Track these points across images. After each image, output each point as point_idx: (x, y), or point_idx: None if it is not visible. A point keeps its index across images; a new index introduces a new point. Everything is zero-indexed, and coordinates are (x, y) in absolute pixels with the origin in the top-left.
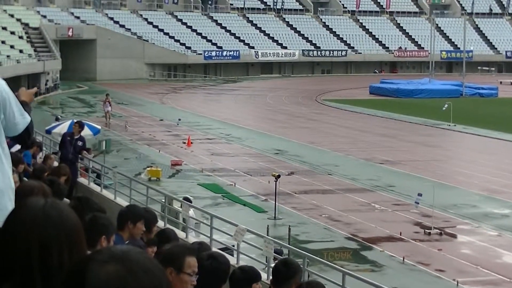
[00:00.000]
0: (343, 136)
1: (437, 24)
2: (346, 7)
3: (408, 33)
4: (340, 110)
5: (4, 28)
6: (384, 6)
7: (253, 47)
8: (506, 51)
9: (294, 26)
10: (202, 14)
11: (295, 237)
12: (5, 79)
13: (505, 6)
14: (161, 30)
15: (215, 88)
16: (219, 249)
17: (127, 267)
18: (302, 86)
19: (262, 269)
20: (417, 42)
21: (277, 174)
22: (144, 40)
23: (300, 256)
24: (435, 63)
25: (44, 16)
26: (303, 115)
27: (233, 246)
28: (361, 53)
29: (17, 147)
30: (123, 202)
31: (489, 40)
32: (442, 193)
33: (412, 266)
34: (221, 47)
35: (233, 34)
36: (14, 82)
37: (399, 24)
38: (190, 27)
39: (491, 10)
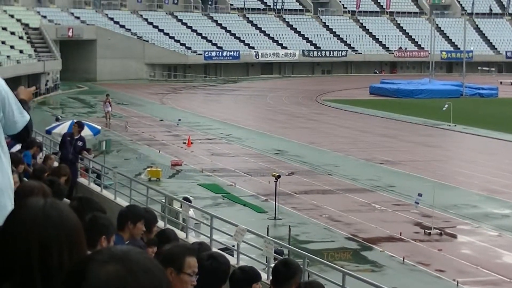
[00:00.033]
0: (343, 136)
1: (437, 24)
2: (346, 7)
3: (408, 33)
4: (340, 110)
5: (4, 29)
6: (384, 6)
7: (253, 48)
8: (506, 51)
9: (294, 26)
10: (202, 15)
11: (295, 237)
12: (5, 80)
13: (505, 6)
14: (161, 31)
15: (215, 88)
16: (219, 249)
17: (127, 267)
18: (302, 86)
19: (262, 269)
20: (417, 42)
21: (277, 174)
22: (144, 40)
23: (300, 256)
24: (435, 63)
25: (44, 17)
26: (303, 116)
27: (233, 246)
28: (361, 53)
29: (17, 147)
30: (123, 202)
31: (489, 40)
32: (442, 193)
33: (412, 266)
34: (221, 48)
35: (233, 35)
36: (14, 83)
37: (399, 24)
38: (190, 27)
39: (491, 10)
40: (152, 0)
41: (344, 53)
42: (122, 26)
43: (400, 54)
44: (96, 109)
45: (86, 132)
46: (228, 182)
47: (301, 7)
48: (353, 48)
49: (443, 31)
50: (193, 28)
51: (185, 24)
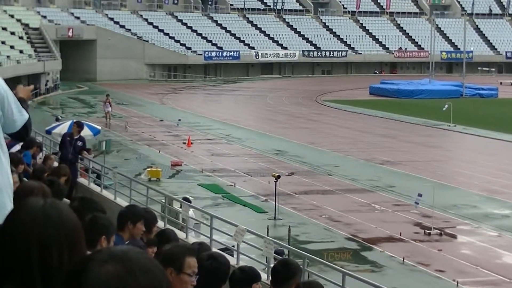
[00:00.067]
0: (343, 136)
1: (437, 25)
2: (346, 8)
3: (408, 33)
4: (340, 110)
5: (4, 29)
6: (384, 7)
7: (253, 48)
8: (506, 52)
9: (294, 26)
10: (202, 15)
11: (295, 238)
12: (5, 80)
13: (505, 6)
14: (161, 31)
15: (215, 88)
16: (219, 249)
17: (127, 267)
18: (302, 87)
19: (262, 270)
20: (417, 42)
21: (277, 174)
22: (144, 40)
23: (300, 257)
24: (435, 64)
25: (44, 17)
26: (303, 116)
27: (233, 246)
28: (361, 53)
29: (17, 147)
30: (123, 202)
31: (489, 40)
32: (442, 193)
33: (412, 266)
34: (221, 48)
35: (233, 35)
36: (14, 83)
37: (399, 24)
38: (190, 27)
39: (490, 10)
40: (152, 0)
41: (344, 53)
42: (122, 26)
43: (400, 54)
44: (96, 109)
45: (86, 132)
46: (228, 182)
47: (301, 8)
48: (353, 48)
49: (443, 31)
50: (193, 28)
51: (185, 24)
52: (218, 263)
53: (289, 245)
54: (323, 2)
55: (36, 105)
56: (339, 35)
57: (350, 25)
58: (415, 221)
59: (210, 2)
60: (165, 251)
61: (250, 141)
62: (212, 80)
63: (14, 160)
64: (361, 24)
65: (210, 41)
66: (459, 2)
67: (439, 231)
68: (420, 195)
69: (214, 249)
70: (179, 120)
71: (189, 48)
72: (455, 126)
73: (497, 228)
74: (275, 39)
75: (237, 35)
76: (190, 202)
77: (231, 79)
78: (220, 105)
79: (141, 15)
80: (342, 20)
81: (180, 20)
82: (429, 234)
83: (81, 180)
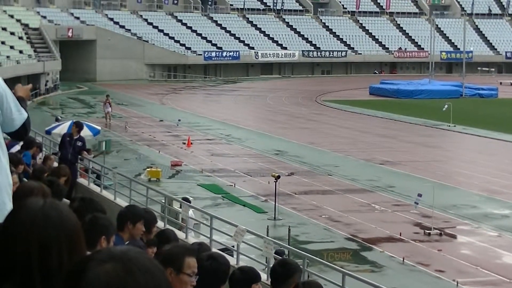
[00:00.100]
0: (343, 136)
1: (437, 25)
2: (346, 8)
3: (408, 33)
4: (340, 110)
5: (4, 29)
6: (384, 7)
7: (253, 48)
8: (506, 52)
9: (294, 26)
10: (202, 15)
11: (295, 238)
12: (5, 80)
13: (505, 6)
14: (161, 31)
15: (215, 88)
16: (219, 249)
17: (126, 267)
18: (302, 87)
19: (262, 270)
20: (417, 42)
21: (277, 174)
22: (144, 40)
23: (300, 257)
24: (435, 64)
25: (44, 17)
26: (303, 116)
27: (233, 246)
28: (361, 53)
29: (17, 147)
30: (123, 202)
31: (489, 40)
32: (442, 193)
33: (412, 266)
34: (221, 48)
35: (233, 35)
36: (14, 83)
37: (399, 24)
38: (190, 27)
39: (490, 10)
40: (152, 0)
41: (343, 53)
42: (122, 27)
43: (399, 54)
44: (96, 110)
45: (85, 133)
46: (228, 182)
47: (301, 8)
48: (353, 48)
49: (442, 31)
50: (193, 28)
51: (185, 24)
52: (218, 263)
53: (289, 245)
54: (323, 2)
55: (36, 106)
56: (338, 35)
57: (350, 25)
58: (415, 221)
59: (210, 2)
60: (165, 251)
61: (250, 141)
62: (212, 80)
63: (14, 161)
64: (361, 24)
65: (210, 41)
66: (458, 2)
67: (439, 231)
68: (420, 195)
69: (214, 250)
70: (179, 120)
71: (189, 48)
72: (455, 126)
73: (497, 228)
74: (275, 39)
75: (236, 35)
76: (190, 202)
77: (231, 79)
78: (220, 105)
79: (141, 15)
80: (342, 20)
81: (180, 20)
82: (429, 234)
83: (81, 180)
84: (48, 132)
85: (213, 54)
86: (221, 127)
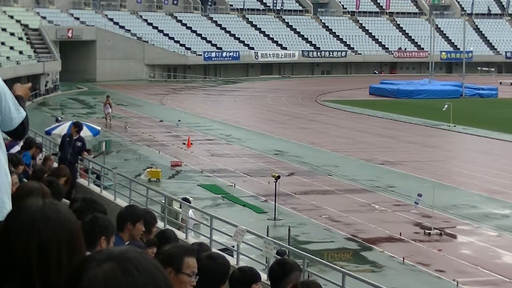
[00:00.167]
0: (343, 136)
1: (436, 25)
2: (345, 8)
3: (407, 33)
4: (340, 110)
5: (4, 30)
6: (384, 7)
7: (252, 48)
8: (505, 52)
9: (293, 27)
10: (201, 15)
11: (295, 238)
12: (5, 80)
13: (505, 6)
14: (161, 31)
15: (215, 89)
16: (219, 249)
17: (124, 266)
18: (302, 87)
19: (262, 270)
20: (416, 42)
21: (277, 175)
22: (144, 41)
23: (300, 257)
24: (435, 64)
25: (44, 17)
26: (303, 116)
27: (233, 246)
28: (361, 53)
29: (17, 148)
30: (123, 203)
31: (488, 40)
32: (442, 193)
33: (412, 266)
34: (220, 48)
35: (233, 35)
36: (14, 84)
37: (398, 24)
38: (190, 28)
39: (489, 10)
40: (152, 0)
41: (343, 53)
42: (122, 27)
43: (399, 54)
44: (96, 110)
45: (85, 133)
46: (228, 182)
47: (300, 8)
48: (353, 48)
49: (442, 31)
50: (193, 28)
51: (184, 24)
52: (217, 263)
53: (289, 245)
54: (323, 3)
55: (36, 106)
56: (338, 35)
57: (349, 25)
58: (415, 221)
59: (209, 3)
60: (164, 251)
61: (250, 142)
62: (212, 81)
63: (14, 161)
64: (361, 24)
65: (210, 42)
66: (458, 2)
67: (439, 231)
68: (420, 195)
69: (214, 250)
70: (179, 120)
71: (189, 49)
72: (454, 126)
73: (497, 228)
74: (275, 39)
75: (236, 36)
76: (190, 202)
77: (231, 79)
78: (220, 106)
79: (141, 16)
80: (342, 20)
81: (180, 21)
82: (429, 234)
83: (81, 180)
84: (48, 133)
85: (213, 54)
86: (221, 127)
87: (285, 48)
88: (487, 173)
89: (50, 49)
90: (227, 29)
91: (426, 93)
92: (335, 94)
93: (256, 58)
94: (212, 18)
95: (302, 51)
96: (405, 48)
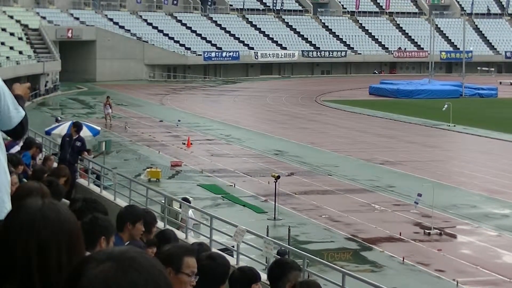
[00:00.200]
0: (343, 136)
1: (436, 25)
2: (345, 8)
3: (407, 33)
4: (340, 110)
5: (4, 30)
6: (384, 7)
7: (252, 48)
8: (505, 52)
9: (293, 27)
10: (201, 15)
11: (295, 238)
12: (5, 81)
13: (504, 6)
14: (161, 31)
15: (215, 89)
16: (219, 249)
17: (123, 266)
18: (301, 87)
19: (262, 270)
20: (416, 42)
21: (277, 175)
22: (143, 41)
23: (300, 257)
24: (435, 64)
25: (44, 17)
26: (303, 116)
27: (233, 246)
28: (360, 53)
29: (17, 148)
30: (123, 203)
31: (488, 40)
32: (442, 193)
33: (412, 266)
34: (220, 48)
35: (233, 35)
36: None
37: (398, 24)
38: (189, 28)
39: (489, 10)
40: (152, 0)
41: (343, 53)
42: (122, 27)
43: (399, 54)
44: (96, 110)
45: (85, 133)
46: (228, 182)
47: (300, 8)
48: (353, 48)
49: (442, 31)
50: (193, 28)
51: (184, 24)
52: (217, 263)
53: (289, 245)
54: (323, 2)
55: (36, 106)
56: (338, 35)
57: (349, 25)
58: (415, 221)
59: (209, 3)
60: (164, 251)
61: (250, 142)
62: (211, 81)
63: (14, 161)
64: (361, 24)
65: (210, 42)
66: (458, 2)
67: (439, 231)
68: (419, 195)
69: (214, 250)
70: (179, 120)
71: (189, 49)
72: (454, 126)
73: (497, 228)
74: (275, 39)
75: (236, 36)
76: (189, 202)
77: (231, 79)
78: (220, 106)
79: (141, 16)
80: (342, 20)
81: (180, 21)
82: (429, 234)
83: (81, 180)
84: (48, 133)
85: (213, 54)
86: (221, 127)
87: (285, 48)
88: (487, 173)
89: (50, 49)
90: (227, 29)
91: (426, 93)
92: (335, 94)
93: (256, 58)
94: (212, 18)
95: (302, 51)
96: (405, 48)
